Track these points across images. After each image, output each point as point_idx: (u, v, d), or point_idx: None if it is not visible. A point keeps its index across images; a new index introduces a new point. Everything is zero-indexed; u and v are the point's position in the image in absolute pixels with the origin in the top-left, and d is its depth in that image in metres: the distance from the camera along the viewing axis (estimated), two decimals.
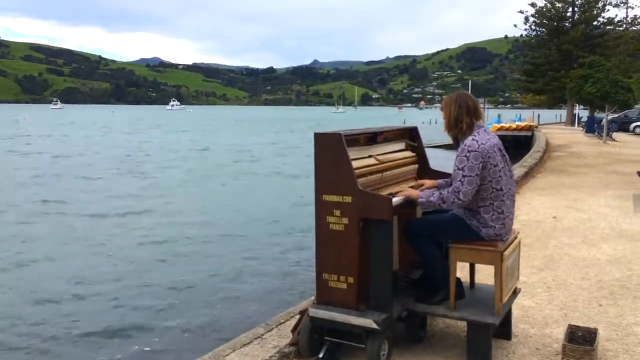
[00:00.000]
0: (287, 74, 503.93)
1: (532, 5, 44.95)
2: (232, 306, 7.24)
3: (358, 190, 3.10)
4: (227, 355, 3.34)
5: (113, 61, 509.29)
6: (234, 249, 10.11)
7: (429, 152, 4.27)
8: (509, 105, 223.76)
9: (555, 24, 44.94)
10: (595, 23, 44.48)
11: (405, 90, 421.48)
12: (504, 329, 3.55)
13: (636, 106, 32.90)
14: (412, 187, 3.61)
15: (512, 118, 37.16)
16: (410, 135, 4.09)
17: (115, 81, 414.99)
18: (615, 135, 25.75)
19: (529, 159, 14.84)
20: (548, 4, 44.49)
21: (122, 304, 7.31)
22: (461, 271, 3.51)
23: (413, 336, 3.53)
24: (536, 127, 30.16)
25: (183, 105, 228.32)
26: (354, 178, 3.11)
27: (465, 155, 3.17)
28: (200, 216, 13.16)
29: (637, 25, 44.61)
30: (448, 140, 3.84)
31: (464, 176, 3.15)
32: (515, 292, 3.58)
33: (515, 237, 3.50)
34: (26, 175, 20.39)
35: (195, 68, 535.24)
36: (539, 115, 44.02)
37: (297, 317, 3.58)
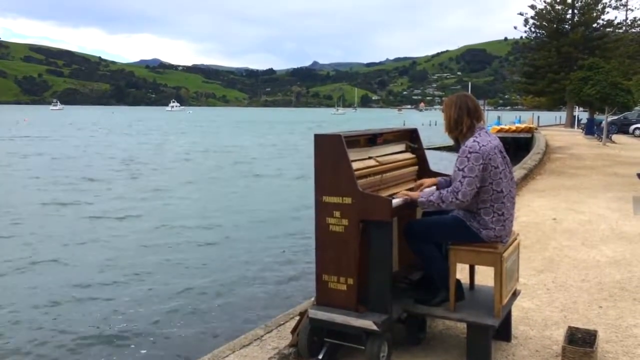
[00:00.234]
0: (287, 76, 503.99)
1: (532, 7, 45.07)
2: (232, 307, 7.24)
3: (358, 192, 3.10)
4: (227, 356, 3.34)
5: (113, 62, 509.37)
6: (233, 251, 10.10)
7: (429, 154, 4.27)
8: (508, 107, 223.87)
9: (555, 26, 44.99)
10: (594, 25, 44.54)
11: (405, 92, 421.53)
12: (504, 331, 3.55)
13: (636, 108, 32.89)
14: (411, 189, 3.61)
15: (512, 120, 37.14)
16: (410, 137, 4.09)
17: (115, 82, 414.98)
18: (614, 137, 25.76)
19: (529, 160, 14.84)
20: (548, 6, 44.55)
21: (121, 305, 7.30)
22: (461, 273, 3.51)
23: (412, 338, 3.53)
24: (536, 128, 30.15)
25: (183, 107, 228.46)
26: (353, 179, 3.11)
27: (466, 157, 3.17)
28: (199, 217, 13.15)
29: (637, 27, 44.72)
30: (448, 142, 3.85)
31: (463, 177, 3.15)
32: (515, 294, 3.57)
33: (515, 239, 3.50)
34: (26, 176, 20.40)
35: (195, 69, 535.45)
36: (538, 117, 44.00)
37: (297, 318, 3.58)
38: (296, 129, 65.01)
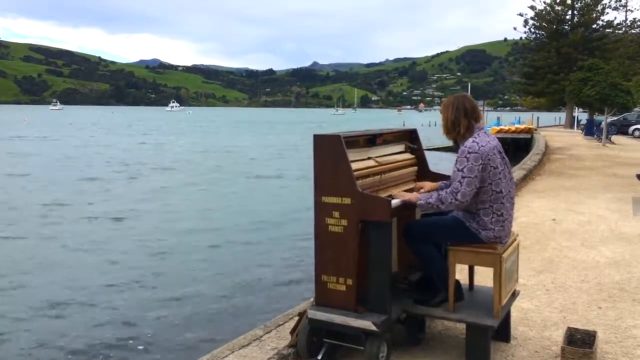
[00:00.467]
0: (287, 76, 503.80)
1: (532, 8, 45.10)
2: (231, 307, 7.24)
3: (357, 192, 3.10)
4: (226, 356, 3.34)
5: (113, 62, 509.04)
6: (232, 251, 10.10)
7: (428, 155, 4.27)
8: (508, 108, 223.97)
9: (554, 26, 45.02)
10: (594, 26, 44.58)
11: (404, 93, 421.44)
12: (503, 332, 3.55)
13: (635, 109, 32.93)
14: (411, 189, 3.61)
15: (512, 120, 37.17)
16: (409, 138, 4.09)
17: (114, 82, 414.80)
18: (614, 138, 25.78)
19: (528, 161, 14.85)
20: (547, 7, 44.59)
21: (121, 306, 7.30)
22: (460, 273, 3.50)
23: (412, 338, 3.52)
24: (535, 129, 30.17)
25: (183, 107, 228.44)
26: (353, 180, 3.11)
27: (465, 157, 3.16)
28: (199, 218, 13.15)
29: (636, 28, 44.74)
30: (447, 142, 3.85)
31: (463, 177, 3.15)
32: (514, 295, 3.57)
33: (515, 240, 3.50)
34: (26, 177, 20.38)
35: (194, 69, 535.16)
36: (538, 118, 44.04)
37: (296, 318, 3.58)
38: (296, 130, 65.01)
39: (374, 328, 3.05)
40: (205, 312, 7.05)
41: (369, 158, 3.53)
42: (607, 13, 45.38)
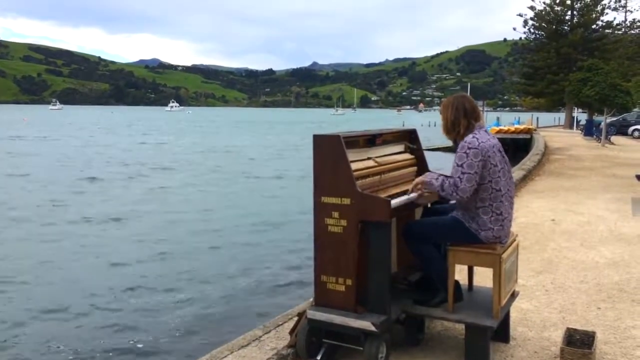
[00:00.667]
0: (287, 76, 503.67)
1: (532, 8, 45.11)
2: (230, 308, 7.23)
3: (357, 192, 3.10)
4: (225, 357, 3.33)
5: (112, 62, 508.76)
6: (232, 251, 10.09)
7: (428, 155, 4.27)
8: (507, 108, 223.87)
9: (554, 27, 45.04)
10: (594, 26, 44.62)
11: (404, 93, 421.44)
12: (502, 332, 3.55)
13: (634, 109, 32.98)
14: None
15: (511, 121, 37.18)
16: (409, 138, 4.09)
17: (114, 82, 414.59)
18: (613, 138, 25.80)
19: (528, 161, 14.85)
20: (547, 8, 44.62)
21: (120, 306, 7.29)
22: (460, 274, 3.50)
23: (411, 339, 3.52)
24: (535, 130, 30.19)
25: (182, 107, 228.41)
26: (352, 180, 3.11)
27: (465, 152, 3.17)
28: (198, 218, 13.14)
29: (636, 28, 44.81)
30: (447, 142, 3.85)
31: (463, 173, 3.15)
32: (513, 295, 3.58)
33: (514, 240, 3.50)
34: (26, 177, 20.37)
35: (194, 69, 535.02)
36: (537, 118, 44.08)
37: (295, 319, 3.58)
38: (295, 130, 65.00)
39: (373, 328, 3.05)
40: (205, 313, 7.05)
41: (369, 158, 3.53)
42: (607, 13, 45.60)
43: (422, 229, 3.39)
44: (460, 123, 3.30)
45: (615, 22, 44.70)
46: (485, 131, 3.33)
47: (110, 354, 5.93)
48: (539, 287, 4.74)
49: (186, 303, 7.37)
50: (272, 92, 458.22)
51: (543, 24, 45.64)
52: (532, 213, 8.10)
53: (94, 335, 6.37)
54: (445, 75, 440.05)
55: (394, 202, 3.14)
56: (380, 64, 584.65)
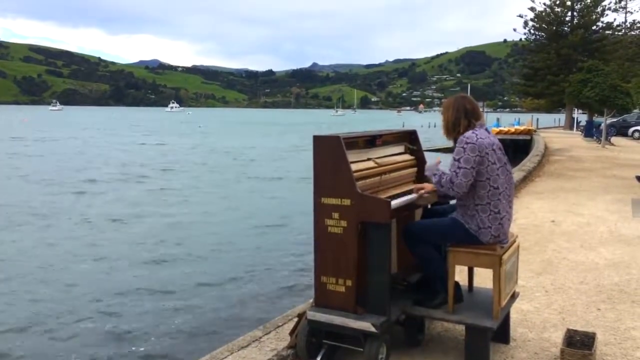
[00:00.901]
0: (287, 77, 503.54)
1: (532, 9, 45.14)
2: (230, 309, 7.23)
3: (357, 193, 3.09)
4: (225, 357, 3.33)
5: (112, 63, 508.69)
6: (232, 252, 10.10)
7: (428, 156, 4.27)
8: (507, 109, 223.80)
9: (554, 28, 45.08)
10: (594, 28, 44.66)
11: (404, 94, 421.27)
12: (502, 333, 3.54)
13: (634, 111, 32.97)
14: (410, 190, 3.60)
15: (511, 122, 37.21)
16: (409, 139, 4.09)
17: (114, 83, 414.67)
18: (613, 139, 25.82)
19: (528, 162, 14.85)
20: (547, 9, 44.65)
21: (119, 307, 7.29)
22: (460, 275, 3.50)
23: (411, 340, 3.52)
24: (535, 131, 30.19)
25: (182, 108, 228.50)
26: (352, 181, 3.11)
27: (462, 147, 3.18)
28: (198, 219, 13.15)
29: (636, 30, 44.83)
30: (447, 143, 3.85)
31: (459, 167, 3.16)
32: (513, 296, 3.57)
33: (514, 241, 3.50)
34: (25, 178, 20.37)
35: (194, 70, 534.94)
36: (537, 119, 44.14)
37: (295, 319, 3.58)
38: (295, 130, 65.00)
39: (373, 329, 3.05)
40: (205, 313, 7.05)
41: (369, 159, 3.52)
42: (607, 15, 45.51)
43: (422, 230, 3.39)
44: (460, 124, 3.31)
45: (615, 24, 44.81)
46: (486, 129, 3.35)
47: (110, 353, 5.93)
48: (539, 288, 4.74)
49: (186, 303, 7.37)
50: (272, 93, 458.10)
51: (543, 25, 45.67)
52: (532, 214, 8.10)
53: (93, 336, 6.37)
54: (445, 76, 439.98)
55: (394, 203, 3.14)
56: (380, 64, 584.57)
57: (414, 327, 3.51)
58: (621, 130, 32.23)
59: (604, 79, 25.78)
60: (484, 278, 3.97)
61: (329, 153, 3.17)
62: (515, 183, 9.58)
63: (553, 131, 39.71)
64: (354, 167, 3.20)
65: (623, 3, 43.74)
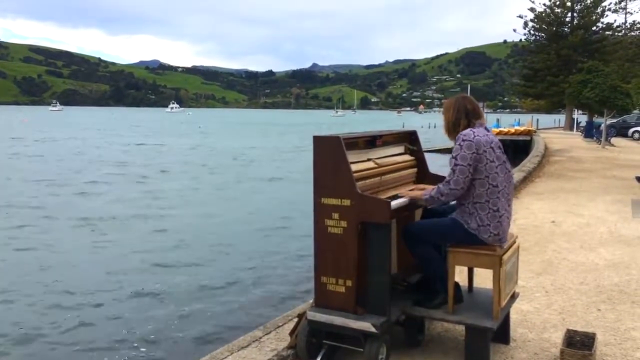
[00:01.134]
0: (287, 77, 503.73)
1: (532, 10, 45.18)
2: (230, 309, 7.22)
3: (357, 194, 3.10)
4: (225, 358, 3.34)
5: (112, 63, 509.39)
6: (232, 252, 10.09)
7: (428, 156, 4.27)
8: (507, 110, 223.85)
9: (554, 29, 45.12)
10: (594, 28, 44.70)
11: (404, 94, 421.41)
12: (502, 333, 3.55)
13: (634, 111, 33.00)
14: (411, 189, 3.61)
15: (511, 122, 37.23)
16: (409, 139, 4.09)
17: (114, 83, 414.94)
18: (613, 140, 25.83)
19: (528, 163, 14.85)
20: (547, 9, 44.68)
21: (119, 307, 7.29)
22: (460, 275, 3.50)
23: (411, 340, 3.52)
24: (535, 131, 30.19)
25: (182, 108, 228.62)
26: (352, 181, 3.11)
27: (459, 144, 3.20)
28: (198, 219, 13.14)
29: (636, 30, 44.87)
30: (447, 144, 3.86)
31: (456, 165, 3.18)
32: (513, 297, 3.57)
33: (514, 241, 3.50)
34: (25, 178, 20.37)
35: (194, 71, 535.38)
36: (537, 120, 44.15)
37: (295, 320, 3.58)
38: (295, 131, 65.00)
39: (373, 330, 3.05)
40: (205, 313, 7.04)
41: (369, 160, 3.53)
42: (607, 15, 45.52)
43: (422, 230, 3.39)
44: (461, 124, 3.32)
45: (615, 24, 44.86)
46: (485, 128, 3.36)
47: (111, 355, 5.92)
48: (539, 289, 4.74)
49: (186, 304, 7.36)
50: (272, 93, 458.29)
51: (543, 26, 45.70)
52: (532, 215, 8.10)
53: (93, 336, 6.36)
54: (445, 77, 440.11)
55: (394, 203, 3.15)
56: (380, 65, 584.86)
57: (414, 328, 3.51)
58: (621, 131, 32.23)
59: (604, 80, 25.79)
60: (484, 278, 3.97)
61: (329, 153, 3.18)
62: (515, 184, 9.60)
63: (553, 132, 39.71)
64: (354, 167, 3.21)
65: (623, 4, 43.82)
